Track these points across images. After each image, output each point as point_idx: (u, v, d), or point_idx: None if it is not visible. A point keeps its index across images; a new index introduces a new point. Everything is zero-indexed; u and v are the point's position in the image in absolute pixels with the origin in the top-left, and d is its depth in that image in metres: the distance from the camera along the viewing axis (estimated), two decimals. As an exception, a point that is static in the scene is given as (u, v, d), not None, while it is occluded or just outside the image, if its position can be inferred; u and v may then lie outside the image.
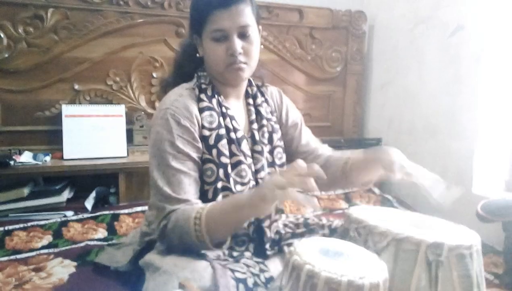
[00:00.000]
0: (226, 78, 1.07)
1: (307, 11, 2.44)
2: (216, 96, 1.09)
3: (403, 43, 2.32)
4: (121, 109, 2.07)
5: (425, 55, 2.16)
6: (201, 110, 1.04)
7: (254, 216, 0.92)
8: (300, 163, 0.82)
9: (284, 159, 1.18)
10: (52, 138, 1.98)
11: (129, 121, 2.08)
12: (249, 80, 1.17)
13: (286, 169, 0.87)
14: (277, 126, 1.19)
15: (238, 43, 1.01)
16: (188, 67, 1.13)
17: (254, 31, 1.04)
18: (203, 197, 1.03)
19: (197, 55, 1.10)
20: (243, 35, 1.02)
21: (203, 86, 1.08)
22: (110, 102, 2.09)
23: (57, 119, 1.97)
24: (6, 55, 1.89)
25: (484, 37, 1.82)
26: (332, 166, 1.16)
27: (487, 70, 1.82)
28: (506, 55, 1.79)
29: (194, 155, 1.01)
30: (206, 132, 1.03)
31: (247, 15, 1.01)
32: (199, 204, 0.98)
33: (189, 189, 0.98)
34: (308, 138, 1.26)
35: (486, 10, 1.80)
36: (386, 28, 2.49)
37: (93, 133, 1.99)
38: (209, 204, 0.95)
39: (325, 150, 1.26)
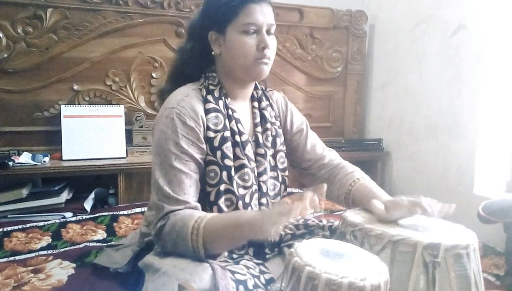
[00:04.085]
0: (250, 73, 1.05)
1: (308, 11, 2.43)
2: (223, 98, 1.08)
3: (403, 43, 2.32)
4: (120, 109, 2.06)
5: (425, 55, 2.16)
6: (207, 112, 1.04)
7: (252, 237, 0.91)
8: (307, 195, 0.83)
9: (286, 164, 1.17)
10: (51, 139, 1.98)
11: (128, 121, 2.08)
12: (255, 84, 1.17)
13: (293, 197, 0.87)
14: (280, 131, 1.18)
15: (268, 38, 1.02)
16: (191, 72, 1.11)
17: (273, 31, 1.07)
18: (205, 198, 1.02)
19: (212, 52, 1.08)
20: (268, 32, 1.04)
21: (211, 87, 1.07)
22: (109, 102, 2.09)
23: (56, 119, 1.97)
24: (5, 55, 1.89)
25: (484, 37, 1.81)
26: (336, 186, 1.16)
27: (488, 70, 1.82)
28: (506, 55, 1.78)
29: (198, 156, 1.00)
30: (211, 134, 1.03)
31: (272, 15, 1.05)
32: (198, 210, 0.98)
33: (189, 191, 0.98)
34: (313, 145, 1.24)
35: (486, 9, 1.80)
36: (386, 28, 2.48)
37: (92, 134, 1.98)
38: (209, 216, 0.93)
39: (332, 157, 1.24)
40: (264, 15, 1.02)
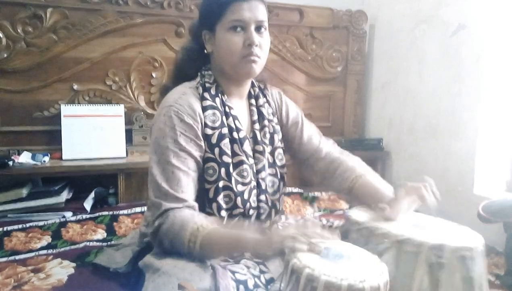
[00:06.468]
0: (238, 71, 1.05)
1: (308, 11, 2.43)
2: (219, 95, 1.08)
3: (404, 43, 2.31)
4: (120, 109, 2.06)
5: (426, 55, 2.15)
6: (204, 109, 1.04)
7: (254, 257, 0.91)
8: (312, 223, 0.81)
9: (284, 161, 1.18)
10: (51, 139, 1.98)
11: (128, 121, 2.08)
12: (252, 81, 1.17)
13: (300, 223, 0.86)
14: (278, 127, 1.19)
15: (255, 35, 1.02)
16: (190, 70, 1.13)
17: (267, 29, 1.06)
18: (204, 195, 1.03)
19: (205, 51, 1.09)
20: (259, 30, 1.04)
21: (207, 85, 1.08)
22: (109, 102, 2.09)
23: (56, 119, 1.97)
24: (5, 55, 1.89)
25: (485, 37, 1.81)
26: (337, 180, 1.16)
27: (488, 70, 1.82)
28: (507, 55, 1.78)
29: (196, 154, 1.01)
30: (209, 131, 1.03)
31: (263, 12, 1.05)
32: (196, 210, 0.98)
33: (187, 189, 0.98)
34: (310, 136, 1.23)
35: (487, 9, 1.80)
36: (386, 28, 2.48)
37: (92, 133, 1.98)
38: (210, 227, 0.91)
39: (329, 149, 1.23)
40: (252, 12, 1.01)
